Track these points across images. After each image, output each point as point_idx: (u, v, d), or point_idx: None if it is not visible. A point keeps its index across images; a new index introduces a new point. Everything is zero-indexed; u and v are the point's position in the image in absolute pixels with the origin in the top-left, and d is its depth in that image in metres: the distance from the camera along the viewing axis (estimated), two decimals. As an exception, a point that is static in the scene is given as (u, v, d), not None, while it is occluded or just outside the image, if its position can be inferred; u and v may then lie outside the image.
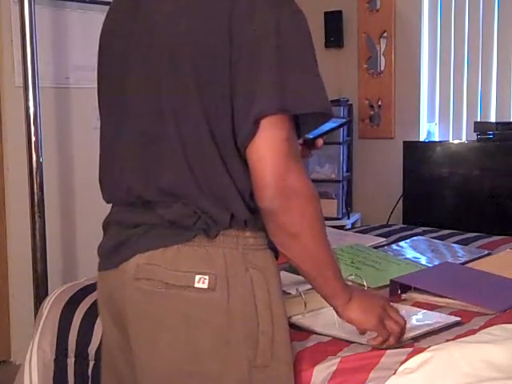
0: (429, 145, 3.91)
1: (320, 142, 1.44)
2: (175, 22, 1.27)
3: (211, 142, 1.25)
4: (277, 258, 1.36)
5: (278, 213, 1.24)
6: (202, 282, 1.25)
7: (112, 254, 1.36)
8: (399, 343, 1.48)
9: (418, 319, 1.71)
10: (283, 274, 1.97)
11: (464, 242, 2.63)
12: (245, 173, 1.26)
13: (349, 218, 4.12)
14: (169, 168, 1.28)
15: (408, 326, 1.61)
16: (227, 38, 1.22)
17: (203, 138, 1.25)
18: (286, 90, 1.21)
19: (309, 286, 1.76)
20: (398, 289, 1.91)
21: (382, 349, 1.47)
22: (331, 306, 1.39)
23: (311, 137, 1.40)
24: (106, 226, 1.42)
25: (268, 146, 1.21)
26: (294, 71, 1.22)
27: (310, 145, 1.41)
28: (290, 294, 1.73)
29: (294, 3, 1.28)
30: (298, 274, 2.05)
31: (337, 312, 1.39)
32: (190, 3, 1.27)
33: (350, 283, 1.83)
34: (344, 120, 1.59)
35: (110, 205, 1.43)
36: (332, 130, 1.46)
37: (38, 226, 2.90)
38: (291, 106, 1.22)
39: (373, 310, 1.39)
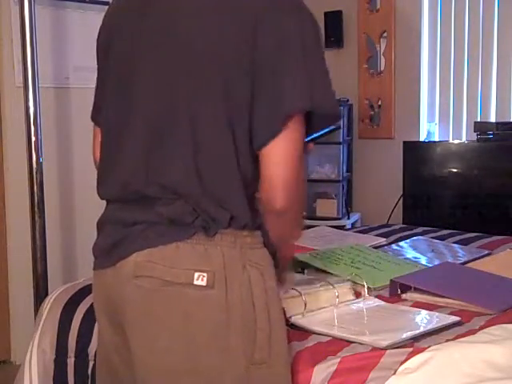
0: (429, 145, 3.91)
1: (310, 146, 1.46)
2: (197, 22, 1.28)
3: (231, 145, 1.27)
4: (273, 257, 1.37)
5: (283, 213, 1.30)
6: (200, 279, 1.26)
7: (109, 253, 1.36)
8: (400, 342, 1.48)
9: (418, 319, 1.71)
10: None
11: (464, 242, 2.63)
12: (253, 176, 1.29)
13: (349, 218, 4.12)
14: (176, 166, 1.28)
15: (408, 325, 1.61)
16: (251, 41, 1.24)
17: (222, 140, 1.27)
18: (313, 91, 1.26)
19: (309, 287, 1.77)
20: (398, 289, 1.91)
21: (382, 349, 1.47)
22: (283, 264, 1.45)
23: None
24: (102, 224, 1.41)
25: (290, 147, 1.26)
26: (316, 74, 1.28)
27: None
28: (289, 293, 1.73)
29: (308, 9, 1.33)
30: (298, 273, 2.05)
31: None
32: (213, 4, 1.28)
33: (349, 283, 1.84)
34: (334, 126, 1.63)
35: (109, 204, 1.43)
36: (323, 134, 1.49)
37: (37, 226, 2.89)
38: (317, 106, 1.27)
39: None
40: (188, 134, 1.27)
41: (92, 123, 1.51)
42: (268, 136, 1.25)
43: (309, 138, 1.43)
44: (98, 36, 1.44)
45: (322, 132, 1.47)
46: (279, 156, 1.25)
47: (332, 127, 1.56)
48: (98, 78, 1.45)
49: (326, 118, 1.32)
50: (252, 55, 1.24)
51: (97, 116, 1.47)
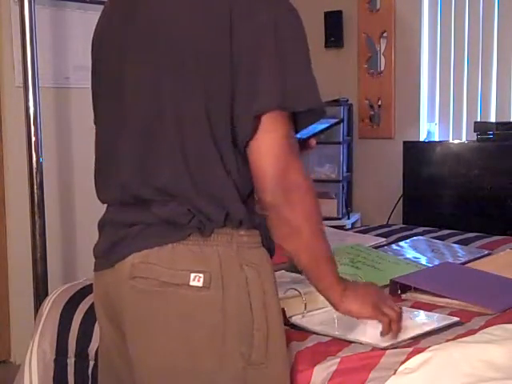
0: (429, 145, 3.91)
1: (313, 142, 1.46)
2: (176, 21, 1.28)
3: (211, 142, 1.27)
4: (271, 256, 1.37)
5: (279, 207, 1.27)
6: (197, 280, 1.26)
7: (108, 254, 1.36)
8: (400, 342, 1.48)
9: (418, 320, 1.71)
10: (283, 273, 1.97)
11: (464, 242, 2.63)
12: (243, 172, 1.29)
13: (349, 218, 4.12)
14: (166, 167, 1.29)
15: (408, 325, 1.61)
16: (228, 36, 1.24)
17: (203, 137, 1.27)
18: (285, 88, 1.24)
19: (309, 286, 1.77)
20: (398, 289, 1.91)
21: (382, 349, 1.47)
22: (327, 298, 1.39)
23: (303, 137, 1.41)
24: (102, 226, 1.42)
25: (270, 142, 1.25)
26: (291, 69, 1.26)
27: (302, 145, 1.43)
28: (289, 293, 1.73)
29: (289, 2, 1.31)
30: (298, 273, 2.05)
31: (333, 305, 1.40)
32: (190, 2, 1.28)
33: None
34: (336, 120, 1.62)
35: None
36: (324, 130, 1.48)
37: (37, 226, 2.90)
38: (290, 103, 1.25)
39: (368, 298, 1.41)
40: (175, 135, 1.28)
41: (91, 123, 1.51)
42: (244, 135, 1.26)
43: (309, 134, 1.43)
44: (92, 40, 1.45)
45: (322, 128, 1.47)
46: (261, 152, 1.25)
47: (332, 122, 1.56)
48: (92, 82, 1.46)
49: (310, 114, 1.30)
50: (229, 52, 1.24)
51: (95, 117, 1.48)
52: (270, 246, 1.36)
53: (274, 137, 1.25)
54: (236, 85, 1.25)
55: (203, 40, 1.25)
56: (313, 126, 1.40)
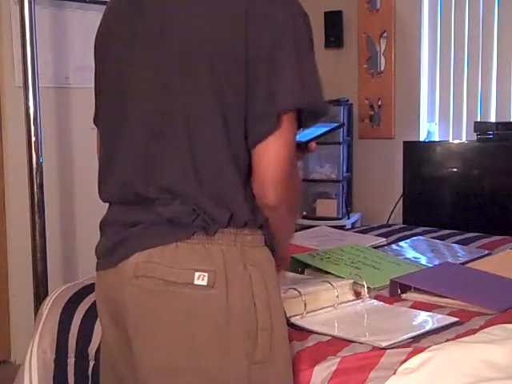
0: (429, 145, 3.91)
1: (313, 145, 1.47)
2: (189, 21, 1.28)
3: (224, 143, 1.27)
4: (274, 255, 1.37)
5: (275, 208, 1.32)
6: (201, 278, 1.26)
7: (111, 253, 1.36)
8: (400, 342, 1.48)
9: (418, 320, 1.71)
10: (283, 273, 1.97)
11: (464, 242, 2.63)
12: (249, 173, 1.29)
13: (349, 218, 4.12)
14: (173, 166, 1.29)
15: (408, 326, 1.61)
16: (243, 37, 1.25)
17: (216, 138, 1.27)
18: (304, 88, 1.27)
19: (309, 287, 1.77)
20: (398, 289, 1.91)
21: (382, 349, 1.47)
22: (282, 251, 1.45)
23: (304, 140, 1.42)
24: (104, 225, 1.42)
25: (283, 145, 1.28)
26: (307, 71, 1.29)
27: (303, 148, 1.43)
28: (289, 293, 1.73)
29: (301, 6, 1.32)
30: (298, 273, 2.06)
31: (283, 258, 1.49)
32: (204, 2, 1.29)
33: (350, 283, 1.84)
34: (337, 124, 1.63)
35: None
36: (325, 133, 1.49)
37: (37, 226, 2.89)
38: (308, 103, 1.29)
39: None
40: (183, 134, 1.28)
41: (92, 123, 1.51)
42: (261, 134, 1.27)
43: (310, 137, 1.43)
44: (95, 39, 1.45)
45: (323, 131, 1.47)
46: (271, 154, 1.27)
47: (333, 126, 1.56)
48: (95, 81, 1.46)
49: (314, 115, 1.33)
50: (245, 52, 1.25)
51: (96, 118, 1.48)
52: (272, 245, 1.37)
53: (284, 140, 1.27)
54: (253, 85, 1.26)
55: (218, 41, 1.26)
56: (314, 128, 1.41)
